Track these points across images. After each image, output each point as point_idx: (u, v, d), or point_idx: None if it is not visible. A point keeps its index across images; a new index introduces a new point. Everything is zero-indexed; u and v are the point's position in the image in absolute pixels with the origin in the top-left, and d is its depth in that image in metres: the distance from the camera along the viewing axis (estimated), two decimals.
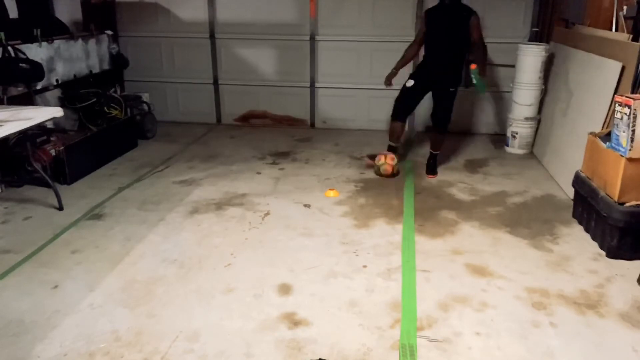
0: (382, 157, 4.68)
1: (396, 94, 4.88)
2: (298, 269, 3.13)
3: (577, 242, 3.51)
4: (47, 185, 4.04)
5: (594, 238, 3.50)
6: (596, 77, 4.23)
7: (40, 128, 4.24)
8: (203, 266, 3.16)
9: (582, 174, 3.73)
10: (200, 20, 6.23)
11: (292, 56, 6.23)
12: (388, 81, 4.87)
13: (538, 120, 5.39)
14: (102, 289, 2.91)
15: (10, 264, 3.17)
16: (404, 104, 4.81)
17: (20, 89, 4.44)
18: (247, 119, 6.56)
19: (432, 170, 4.84)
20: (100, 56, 5.61)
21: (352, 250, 3.38)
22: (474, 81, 4.52)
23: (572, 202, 3.96)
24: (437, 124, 4.81)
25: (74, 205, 4.02)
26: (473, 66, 4.52)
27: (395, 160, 4.68)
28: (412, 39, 5.98)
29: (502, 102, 5.79)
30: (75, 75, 5.17)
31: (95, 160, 4.86)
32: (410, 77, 4.80)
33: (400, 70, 4.91)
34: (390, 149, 4.86)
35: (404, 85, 4.77)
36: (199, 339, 2.49)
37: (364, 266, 3.17)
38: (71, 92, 5.04)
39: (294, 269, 3.13)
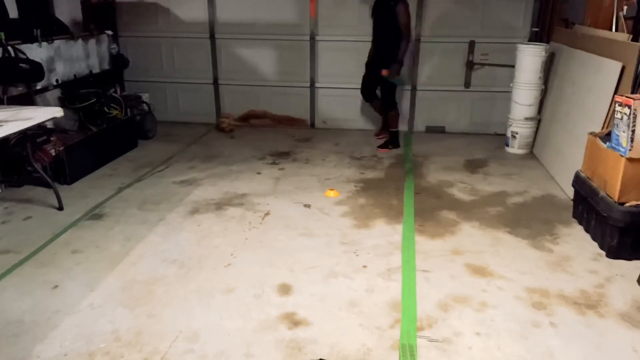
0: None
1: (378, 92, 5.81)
2: (298, 269, 3.13)
3: (577, 242, 3.51)
4: (47, 185, 4.04)
5: (594, 238, 3.50)
6: (596, 77, 4.23)
7: (40, 128, 4.24)
8: (203, 266, 3.16)
9: (582, 174, 3.72)
10: (200, 20, 6.23)
11: (292, 56, 6.22)
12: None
13: (538, 120, 5.39)
14: (102, 289, 2.91)
15: (10, 264, 3.17)
16: (366, 89, 5.63)
17: (20, 89, 4.44)
18: (247, 119, 6.56)
19: (383, 145, 5.59)
20: (100, 56, 5.61)
21: (352, 250, 3.38)
22: (393, 82, 5.28)
23: (572, 202, 3.96)
24: (384, 106, 5.57)
25: (74, 205, 4.02)
26: (385, 72, 5.15)
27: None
28: (412, 38, 6.02)
29: (502, 102, 5.79)
30: (75, 75, 5.18)
31: (95, 160, 4.86)
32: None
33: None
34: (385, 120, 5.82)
35: (396, 82, 5.47)
36: (199, 339, 2.49)
37: (364, 266, 3.17)
38: (71, 92, 5.05)
39: (294, 269, 3.13)
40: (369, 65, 5.50)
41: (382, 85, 5.43)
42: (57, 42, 4.87)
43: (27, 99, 4.49)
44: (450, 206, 4.08)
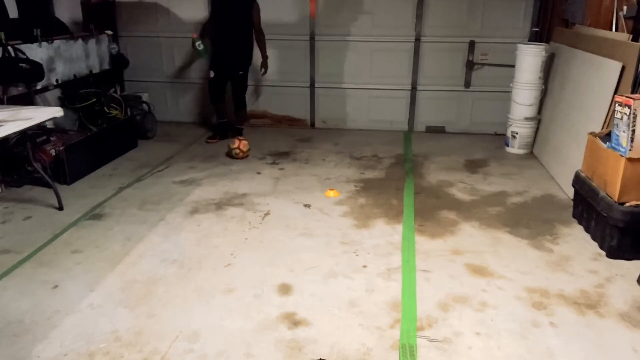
0: (237, 142, 5.22)
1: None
2: (298, 269, 3.13)
3: (577, 242, 3.51)
4: (47, 185, 4.04)
5: (594, 238, 3.50)
6: (596, 77, 4.23)
7: (40, 128, 4.24)
8: (203, 266, 3.16)
9: (582, 174, 3.73)
10: (200, 20, 6.22)
11: (292, 56, 6.23)
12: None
13: (538, 120, 5.39)
14: (102, 289, 2.91)
15: (10, 264, 3.17)
16: (218, 90, 5.62)
17: (20, 89, 4.44)
18: (247, 119, 6.55)
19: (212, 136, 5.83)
20: (100, 56, 5.61)
21: (352, 250, 3.38)
22: (200, 47, 5.47)
23: (572, 202, 3.96)
24: (239, 104, 5.69)
25: (74, 205, 4.02)
26: (194, 35, 5.48)
27: (248, 146, 5.25)
28: (412, 38, 6.04)
29: (502, 102, 5.79)
30: (75, 75, 5.17)
31: (95, 160, 4.86)
32: (211, 68, 5.54)
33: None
34: (223, 125, 5.82)
35: (209, 76, 5.57)
36: (199, 339, 2.49)
37: (364, 266, 3.17)
38: (71, 92, 5.05)
39: (294, 269, 3.13)
40: (215, 70, 5.50)
41: (240, 84, 5.61)
42: (57, 42, 4.87)
43: (27, 99, 4.49)
44: (450, 206, 4.08)
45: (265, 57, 5.60)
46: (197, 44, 5.35)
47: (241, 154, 5.17)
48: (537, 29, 5.77)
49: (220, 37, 5.37)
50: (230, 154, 5.19)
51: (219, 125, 5.87)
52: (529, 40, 5.71)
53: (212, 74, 5.51)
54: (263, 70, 5.66)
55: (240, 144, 5.17)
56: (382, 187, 4.49)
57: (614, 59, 3.96)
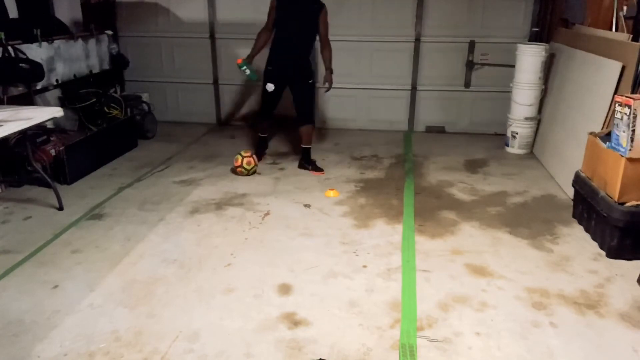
0: (239, 160, 4.66)
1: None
2: (298, 269, 3.13)
3: (577, 242, 3.51)
4: (47, 185, 4.05)
5: (594, 238, 3.50)
6: (596, 77, 4.23)
7: (40, 128, 4.24)
8: (203, 266, 3.16)
9: (582, 174, 3.73)
10: (200, 20, 6.23)
11: None
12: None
13: (538, 120, 5.39)
14: (102, 289, 2.91)
15: (10, 264, 3.17)
16: (270, 106, 4.88)
17: (20, 89, 4.44)
18: (248, 120, 6.55)
19: (317, 167, 4.88)
20: (100, 56, 5.61)
21: (352, 250, 3.38)
22: (247, 72, 4.63)
23: (572, 202, 3.96)
24: (307, 118, 4.84)
25: (74, 205, 4.02)
26: (239, 60, 4.61)
27: (253, 164, 4.70)
28: (412, 38, 6.02)
29: (502, 102, 5.79)
30: (75, 75, 5.18)
31: (95, 160, 4.86)
32: (268, 80, 4.70)
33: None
34: (262, 139, 5.20)
35: (265, 89, 4.75)
36: (199, 339, 2.49)
37: (364, 266, 3.17)
38: (71, 92, 5.05)
39: (294, 269, 3.13)
40: (274, 81, 4.69)
41: (308, 94, 4.84)
42: (57, 42, 4.87)
43: (27, 99, 4.49)
44: (450, 206, 4.08)
45: (330, 71, 4.77)
46: (243, 68, 4.58)
47: (243, 170, 4.66)
48: (537, 29, 5.77)
49: (285, 46, 4.64)
50: (234, 171, 4.74)
51: (260, 140, 5.21)
52: (529, 40, 5.71)
53: (271, 87, 4.68)
54: (328, 86, 4.78)
55: (243, 161, 4.63)
56: (382, 187, 4.49)
57: (614, 59, 3.96)
